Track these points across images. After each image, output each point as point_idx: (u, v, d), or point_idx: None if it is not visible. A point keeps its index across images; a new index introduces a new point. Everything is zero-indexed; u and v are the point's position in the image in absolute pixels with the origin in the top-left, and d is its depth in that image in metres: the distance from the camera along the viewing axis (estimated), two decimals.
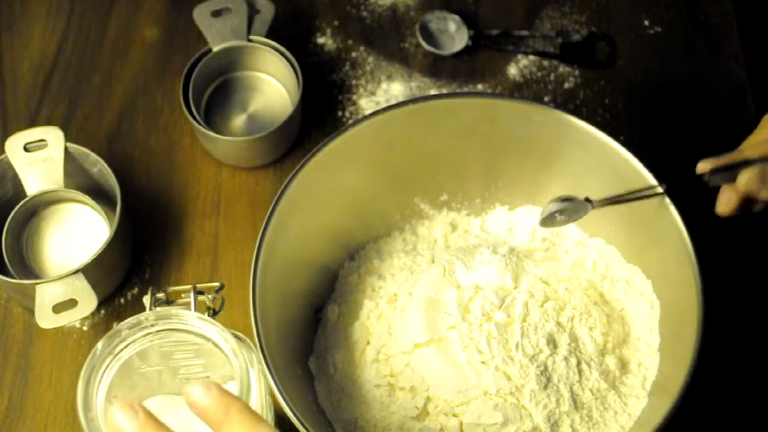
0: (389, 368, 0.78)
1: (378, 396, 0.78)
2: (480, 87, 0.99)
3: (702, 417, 0.83)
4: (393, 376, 0.78)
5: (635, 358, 0.80)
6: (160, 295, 0.70)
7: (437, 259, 0.83)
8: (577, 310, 0.79)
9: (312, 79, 0.98)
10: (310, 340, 0.83)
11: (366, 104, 0.98)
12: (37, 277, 0.88)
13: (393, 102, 0.97)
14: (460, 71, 1.00)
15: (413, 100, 0.82)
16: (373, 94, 0.99)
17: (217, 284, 0.71)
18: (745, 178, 0.75)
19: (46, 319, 0.82)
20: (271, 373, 0.71)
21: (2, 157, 0.88)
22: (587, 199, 0.79)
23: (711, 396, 0.83)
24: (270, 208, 0.77)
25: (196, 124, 0.91)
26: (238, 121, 0.96)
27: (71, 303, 0.83)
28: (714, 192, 0.93)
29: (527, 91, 0.99)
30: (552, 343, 0.77)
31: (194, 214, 0.93)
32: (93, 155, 0.89)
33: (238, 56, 0.96)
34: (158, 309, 0.69)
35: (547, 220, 0.81)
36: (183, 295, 0.70)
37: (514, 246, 0.86)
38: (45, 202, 0.90)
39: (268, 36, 0.95)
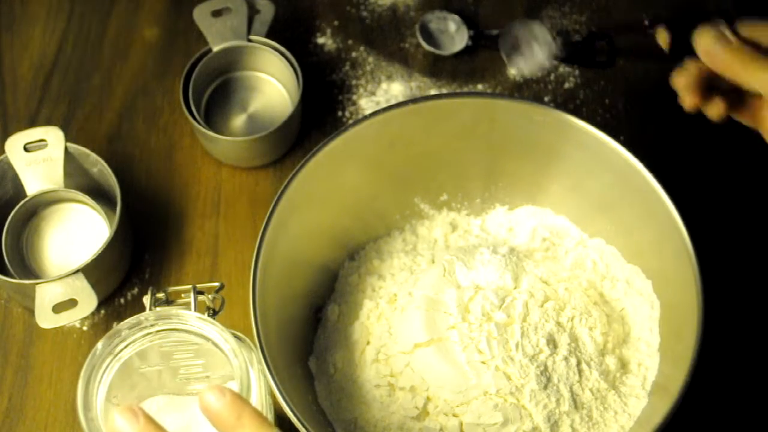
0: (389, 368, 0.78)
1: (378, 396, 0.78)
2: (480, 87, 0.99)
3: (702, 417, 0.83)
4: (393, 376, 0.78)
5: (635, 358, 0.80)
6: (160, 295, 0.70)
7: (437, 259, 0.83)
8: (577, 310, 0.79)
9: (312, 79, 0.98)
10: (310, 340, 0.83)
11: (366, 104, 0.98)
12: (37, 277, 0.88)
13: (393, 102, 0.98)
14: (460, 71, 1.00)
15: (413, 100, 0.82)
16: (373, 94, 0.99)
17: (217, 284, 0.71)
18: (704, 41, 0.72)
19: (46, 319, 0.82)
20: (271, 373, 0.71)
21: (2, 157, 0.88)
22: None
23: (711, 396, 0.83)
24: (270, 208, 0.77)
25: (196, 124, 0.91)
26: (238, 121, 0.96)
27: (71, 303, 0.83)
28: (716, 191, 0.93)
29: (527, 91, 0.99)
30: (552, 343, 0.77)
31: (194, 214, 0.93)
32: (93, 155, 0.89)
33: (238, 56, 0.96)
34: (158, 309, 0.69)
35: (509, 49, 0.81)
36: (183, 295, 0.70)
37: (514, 246, 0.86)
38: (45, 202, 0.90)
39: (268, 36, 0.95)
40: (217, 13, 0.94)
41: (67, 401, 0.86)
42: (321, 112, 0.98)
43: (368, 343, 0.81)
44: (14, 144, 0.87)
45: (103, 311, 0.89)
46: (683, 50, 0.74)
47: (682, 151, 0.95)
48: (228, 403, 0.57)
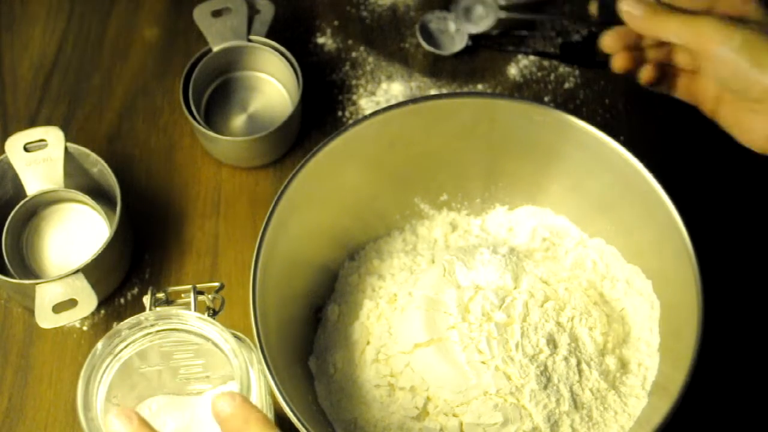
0: (389, 368, 0.78)
1: (378, 396, 0.78)
2: (480, 87, 0.99)
3: (702, 417, 0.83)
4: (393, 376, 0.78)
5: (635, 358, 0.80)
6: (160, 295, 0.70)
7: (437, 259, 0.83)
8: (577, 310, 0.79)
9: (312, 79, 0.98)
10: (310, 340, 0.83)
11: (366, 104, 0.98)
12: (37, 277, 0.88)
13: (393, 102, 0.98)
14: (460, 71, 1.00)
15: (413, 100, 0.82)
16: (373, 94, 0.99)
17: (217, 284, 0.71)
18: (625, 4, 0.78)
19: (46, 319, 0.82)
20: (271, 373, 0.71)
21: (2, 157, 0.88)
22: None
23: (711, 396, 0.83)
24: (270, 208, 0.77)
25: (196, 124, 0.91)
26: (238, 121, 0.96)
27: (71, 303, 0.83)
28: (716, 191, 0.93)
29: (527, 91, 0.99)
30: (552, 343, 0.77)
31: (194, 214, 0.93)
32: (93, 155, 0.89)
33: (238, 56, 0.96)
34: (158, 309, 0.69)
35: (462, 16, 0.87)
36: (183, 295, 0.70)
37: (514, 246, 0.86)
38: (45, 202, 0.90)
39: (268, 36, 0.95)
40: (217, 13, 0.94)
41: (67, 401, 0.86)
42: (321, 112, 0.98)
43: (368, 343, 0.81)
44: (14, 144, 0.87)
45: (103, 311, 0.89)
46: (611, 17, 0.81)
47: (682, 151, 0.95)
48: (237, 407, 0.60)
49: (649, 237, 0.80)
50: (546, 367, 0.76)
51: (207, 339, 0.67)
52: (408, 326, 0.78)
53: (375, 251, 0.86)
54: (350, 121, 0.97)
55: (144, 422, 0.60)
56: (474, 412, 0.75)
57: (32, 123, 0.97)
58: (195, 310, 0.68)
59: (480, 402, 0.75)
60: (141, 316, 0.67)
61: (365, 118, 0.81)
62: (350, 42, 1.01)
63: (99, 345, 0.66)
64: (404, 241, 0.87)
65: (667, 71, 0.83)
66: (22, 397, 0.86)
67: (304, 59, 0.99)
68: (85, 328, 0.89)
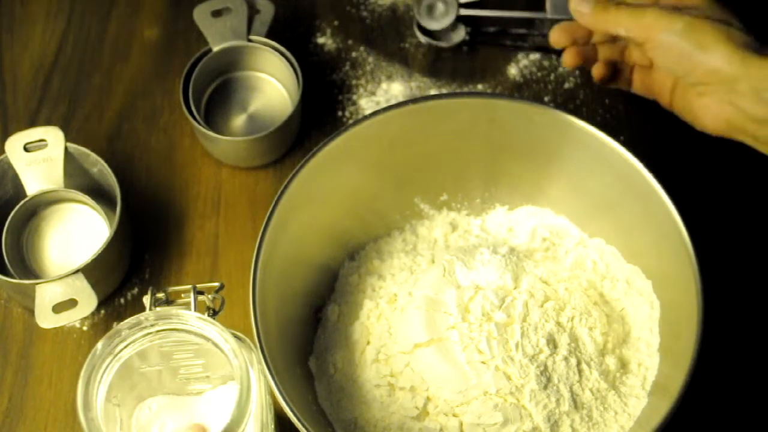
0: (389, 368, 0.78)
1: (378, 396, 0.78)
2: (480, 87, 0.99)
3: (702, 417, 0.83)
4: (393, 376, 0.78)
5: (635, 358, 0.80)
6: (160, 295, 0.70)
7: (437, 259, 0.83)
8: (577, 310, 0.79)
9: (312, 79, 0.98)
10: (310, 340, 0.83)
11: (366, 104, 0.98)
12: (37, 277, 0.88)
13: (393, 102, 0.98)
14: (460, 71, 1.00)
15: (413, 100, 0.82)
16: (373, 94, 0.99)
17: (217, 284, 0.71)
18: (573, 2, 0.83)
19: (46, 319, 0.82)
20: (271, 373, 0.71)
21: (2, 157, 0.88)
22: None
23: (711, 396, 0.84)
24: (270, 208, 0.77)
25: (196, 124, 0.91)
26: (238, 121, 0.96)
27: (71, 303, 0.83)
28: (716, 191, 0.93)
29: (527, 91, 0.99)
30: (552, 343, 0.77)
31: (194, 214, 0.93)
32: (93, 155, 0.89)
33: (238, 56, 0.96)
34: (158, 309, 0.69)
35: (425, 14, 0.90)
36: (183, 295, 0.70)
37: (514, 246, 0.86)
38: (45, 202, 0.90)
39: (268, 36, 0.95)
40: (217, 13, 0.94)
41: (67, 401, 0.86)
42: (321, 112, 0.98)
43: (368, 343, 0.81)
44: (14, 144, 0.87)
45: (103, 311, 0.89)
46: (563, 12, 0.88)
47: (682, 151, 0.95)
48: None
49: (649, 237, 0.80)
50: (546, 367, 0.76)
51: (207, 339, 0.67)
52: (408, 326, 0.78)
53: (375, 251, 0.86)
54: (350, 121, 0.97)
55: None
56: (474, 412, 0.75)
57: (32, 123, 0.97)
58: (195, 310, 0.68)
59: (480, 402, 0.75)
60: (141, 316, 0.67)
61: (365, 118, 0.81)
62: (350, 42, 1.01)
63: (99, 345, 0.66)
64: (404, 241, 0.87)
65: (622, 68, 0.87)
66: (22, 397, 0.86)
67: (304, 59, 0.99)
68: (85, 328, 0.89)
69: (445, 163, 0.86)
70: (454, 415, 0.76)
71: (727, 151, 0.85)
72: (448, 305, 0.78)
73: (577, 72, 0.99)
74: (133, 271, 0.91)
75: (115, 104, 0.98)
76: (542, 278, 0.81)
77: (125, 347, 0.67)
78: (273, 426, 0.73)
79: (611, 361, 0.79)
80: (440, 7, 0.99)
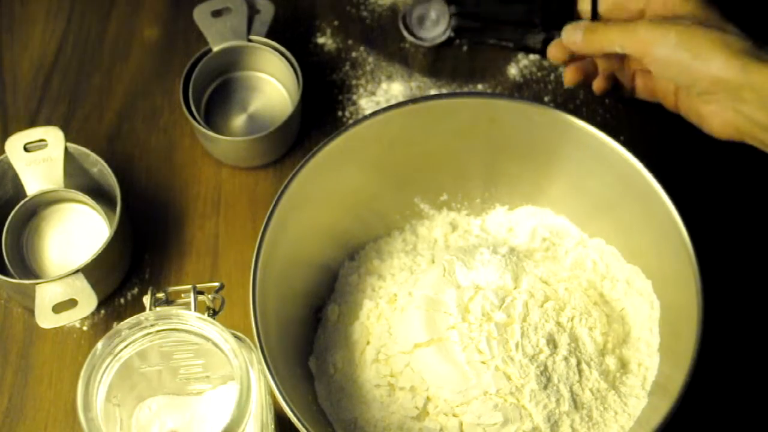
0: (389, 368, 0.78)
1: (378, 396, 0.78)
2: (480, 87, 0.99)
3: (702, 417, 0.83)
4: (393, 376, 0.78)
5: (635, 358, 0.80)
6: (160, 295, 0.70)
7: (437, 259, 0.83)
8: (577, 310, 0.79)
9: (312, 79, 0.98)
10: (310, 340, 0.83)
11: (366, 104, 0.98)
12: (37, 277, 0.88)
13: (393, 102, 0.97)
14: (460, 71, 1.00)
15: (413, 100, 0.82)
16: (373, 94, 0.99)
17: (217, 284, 0.71)
18: (565, 35, 0.84)
19: (46, 319, 0.82)
20: (271, 373, 0.71)
21: (2, 157, 0.88)
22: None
23: (711, 396, 0.83)
24: (270, 208, 0.77)
25: (196, 124, 0.91)
26: (238, 121, 0.96)
27: (71, 303, 0.83)
28: (716, 191, 0.93)
29: (527, 91, 0.99)
30: (552, 343, 0.77)
31: (194, 214, 0.93)
32: (93, 155, 0.89)
33: (238, 56, 0.96)
34: (158, 309, 0.69)
35: (415, 25, 0.92)
36: (183, 295, 0.70)
37: (514, 246, 0.86)
38: (45, 202, 0.90)
39: (268, 36, 0.95)
40: (217, 13, 0.94)
41: (67, 401, 0.86)
42: (321, 112, 0.98)
43: (368, 343, 0.81)
44: (14, 144, 0.87)
45: (103, 311, 0.89)
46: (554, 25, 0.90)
47: (682, 151, 0.95)
48: None
49: (649, 237, 0.80)
50: (546, 367, 0.76)
51: (207, 339, 0.67)
52: (408, 326, 0.78)
53: (375, 251, 0.86)
54: (350, 121, 0.97)
55: None
56: (474, 412, 0.75)
57: (32, 123, 0.97)
58: (195, 310, 0.68)
59: (480, 402, 0.75)
60: (141, 316, 0.67)
61: (365, 118, 0.81)
62: (350, 42, 1.01)
63: (99, 345, 0.66)
64: (404, 241, 0.87)
65: (624, 76, 0.87)
66: (22, 397, 0.86)
67: (304, 59, 0.99)
68: (85, 328, 0.89)
69: (445, 163, 0.86)
70: (454, 415, 0.76)
71: (727, 152, 0.86)
72: (448, 305, 0.78)
73: None
74: (133, 271, 0.91)
75: (115, 104, 0.98)
76: (542, 278, 0.81)
77: (125, 347, 0.67)
78: (273, 426, 0.73)
79: (611, 361, 0.79)
80: (432, 17, 1.00)
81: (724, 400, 0.85)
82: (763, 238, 0.91)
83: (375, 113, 0.81)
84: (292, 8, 1.02)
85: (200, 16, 0.94)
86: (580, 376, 0.77)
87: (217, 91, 0.97)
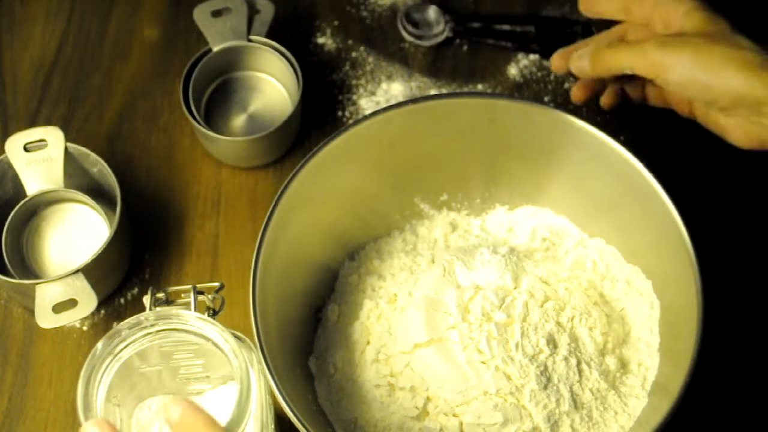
0: (389, 368, 0.78)
1: (378, 396, 0.78)
2: (480, 87, 0.99)
3: (702, 417, 0.83)
4: (393, 376, 0.78)
5: (635, 358, 0.80)
6: (160, 295, 0.70)
7: (437, 259, 0.83)
8: (577, 310, 0.79)
9: (312, 79, 0.98)
10: (310, 340, 0.83)
11: (366, 104, 0.98)
12: (37, 277, 0.88)
13: (393, 102, 0.97)
14: (460, 71, 1.00)
15: (413, 100, 0.82)
16: (373, 94, 0.99)
17: (217, 284, 0.71)
18: (572, 63, 0.83)
19: (46, 319, 0.82)
20: (271, 373, 0.71)
21: (2, 157, 0.88)
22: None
23: (711, 396, 0.83)
24: (270, 208, 0.77)
25: (196, 124, 0.91)
26: (238, 121, 0.96)
27: (71, 303, 0.83)
28: (716, 191, 0.93)
29: (527, 91, 0.99)
30: (552, 343, 0.77)
31: (194, 214, 0.93)
32: (93, 155, 0.89)
33: (238, 56, 0.96)
34: (158, 309, 0.69)
35: (411, 28, 0.93)
36: (183, 295, 0.70)
37: (514, 246, 0.86)
38: (45, 202, 0.90)
39: (268, 36, 0.95)
40: (217, 13, 0.94)
41: (67, 401, 0.86)
42: (321, 112, 0.98)
43: (368, 343, 0.81)
44: (14, 144, 0.87)
45: (103, 311, 0.89)
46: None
47: (682, 151, 0.95)
48: (185, 412, 0.61)
49: (649, 237, 0.80)
50: (546, 367, 0.76)
51: (207, 339, 0.67)
52: (408, 326, 0.78)
53: (375, 251, 0.86)
54: (350, 121, 0.97)
55: (115, 429, 0.60)
56: (474, 412, 0.75)
57: (32, 123, 0.97)
58: (195, 310, 0.68)
59: (480, 402, 0.75)
60: (141, 316, 0.67)
61: (365, 118, 0.81)
62: (350, 42, 1.01)
63: (99, 345, 0.66)
64: (404, 241, 0.87)
65: (633, 87, 0.85)
66: (22, 397, 0.86)
67: (304, 59, 0.99)
68: (85, 328, 0.89)
69: (445, 163, 0.86)
70: (454, 415, 0.76)
71: (727, 152, 0.85)
72: (448, 305, 0.78)
73: None
74: (133, 271, 0.91)
75: (115, 104, 0.98)
76: (542, 278, 0.81)
77: (125, 347, 0.67)
78: (273, 426, 0.73)
79: (611, 361, 0.79)
80: (429, 21, 1.00)
81: (724, 400, 0.85)
82: (763, 238, 0.91)
83: (375, 113, 0.81)
84: (292, 8, 1.02)
85: (200, 16, 0.94)
86: (580, 376, 0.77)
87: (217, 91, 0.97)
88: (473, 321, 0.77)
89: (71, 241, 0.90)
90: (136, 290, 0.90)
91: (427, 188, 0.88)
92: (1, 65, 1.00)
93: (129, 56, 1.01)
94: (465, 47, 1.01)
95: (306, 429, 0.70)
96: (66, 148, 0.88)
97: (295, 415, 0.71)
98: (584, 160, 0.82)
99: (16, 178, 0.88)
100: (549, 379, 0.76)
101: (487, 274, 0.80)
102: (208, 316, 0.69)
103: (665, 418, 0.70)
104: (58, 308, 0.82)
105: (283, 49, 0.94)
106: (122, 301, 0.90)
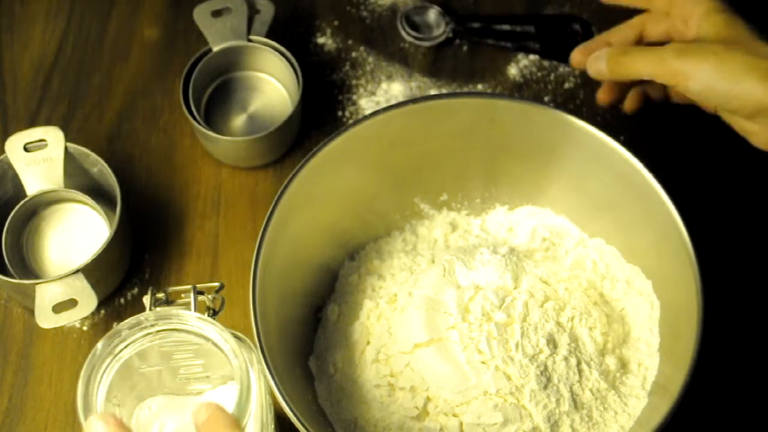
0: (389, 368, 0.78)
1: (378, 396, 0.78)
2: (480, 87, 0.99)
3: (702, 417, 0.83)
4: (393, 376, 0.78)
5: (635, 358, 0.80)
6: (160, 295, 0.70)
7: (437, 259, 0.83)
8: (577, 310, 0.79)
9: (312, 79, 0.98)
10: (310, 340, 0.83)
11: (366, 104, 0.98)
12: (37, 277, 0.88)
13: (393, 102, 0.98)
14: (460, 71, 1.00)
15: (413, 100, 0.82)
16: (373, 94, 0.99)
17: (217, 284, 0.71)
18: (589, 66, 0.82)
19: (46, 319, 0.82)
20: (271, 373, 0.71)
21: (2, 157, 0.88)
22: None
23: (711, 396, 0.83)
24: (270, 208, 0.77)
25: (196, 124, 0.91)
26: (238, 121, 0.96)
27: (71, 303, 0.83)
28: (716, 191, 0.93)
29: (527, 91, 0.99)
30: (552, 343, 0.77)
31: (194, 214, 0.93)
32: (93, 155, 0.89)
33: (238, 56, 0.96)
34: (158, 309, 0.69)
35: (410, 28, 0.93)
36: (183, 295, 0.70)
37: (514, 246, 0.86)
38: (45, 202, 0.90)
39: (268, 36, 0.95)
40: (217, 13, 0.94)
41: (67, 401, 0.86)
42: (321, 112, 0.98)
43: (368, 343, 0.81)
44: (14, 144, 0.87)
45: (103, 311, 0.89)
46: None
47: (682, 151, 0.95)
48: (212, 415, 0.60)
49: (649, 237, 0.80)
50: (546, 367, 0.76)
51: (207, 339, 0.67)
52: (408, 326, 0.78)
53: (375, 251, 0.86)
54: (350, 121, 0.97)
55: (121, 424, 0.60)
56: (474, 412, 0.75)
57: (32, 123, 0.97)
58: (195, 310, 0.68)
59: (480, 402, 0.75)
60: (141, 316, 0.67)
61: (365, 118, 0.81)
62: (350, 42, 1.01)
63: (99, 345, 0.66)
64: (404, 241, 0.87)
65: (653, 87, 0.84)
66: (22, 397, 0.86)
67: (304, 59, 0.99)
68: (85, 328, 0.89)
69: (445, 163, 0.86)
70: (454, 415, 0.76)
71: (727, 151, 0.86)
72: (448, 305, 0.78)
73: (577, 72, 0.99)
74: (133, 271, 0.91)
75: (115, 104, 0.98)
76: (542, 278, 0.81)
77: (125, 347, 0.67)
78: (273, 426, 0.73)
79: (611, 361, 0.79)
80: (429, 22, 1.00)
81: (724, 400, 0.85)
82: (763, 238, 0.91)
83: (375, 113, 0.81)
84: (292, 8, 1.03)
85: (200, 16, 0.94)
86: (580, 376, 0.77)
87: (217, 91, 0.97)
88: (473, 321, 0.77)
89: (71, 241, 0.90)
90: (136, 290, 0.90)
91: (427, 188, 0.88)
92: (1, 65, 1.00)
93: (129, 56, 1.01)
94: (465, 47, 1.01)
95: (306, 429, 0.70)
96: (66, 148, 0.88)
97: (295, 415, 0.71)
98: (584, 160, 0.82)
99: (16, 178, 0.88)
100: (549, 379, 0.76)
101: (487, 274, 0.80)
102: (208, 316, 0.69)
103: (665, 418, 0.70)
104: (58, 308, 0.82)
105: (283, 49, 0.94)
106: (122, 301, 0.90)
